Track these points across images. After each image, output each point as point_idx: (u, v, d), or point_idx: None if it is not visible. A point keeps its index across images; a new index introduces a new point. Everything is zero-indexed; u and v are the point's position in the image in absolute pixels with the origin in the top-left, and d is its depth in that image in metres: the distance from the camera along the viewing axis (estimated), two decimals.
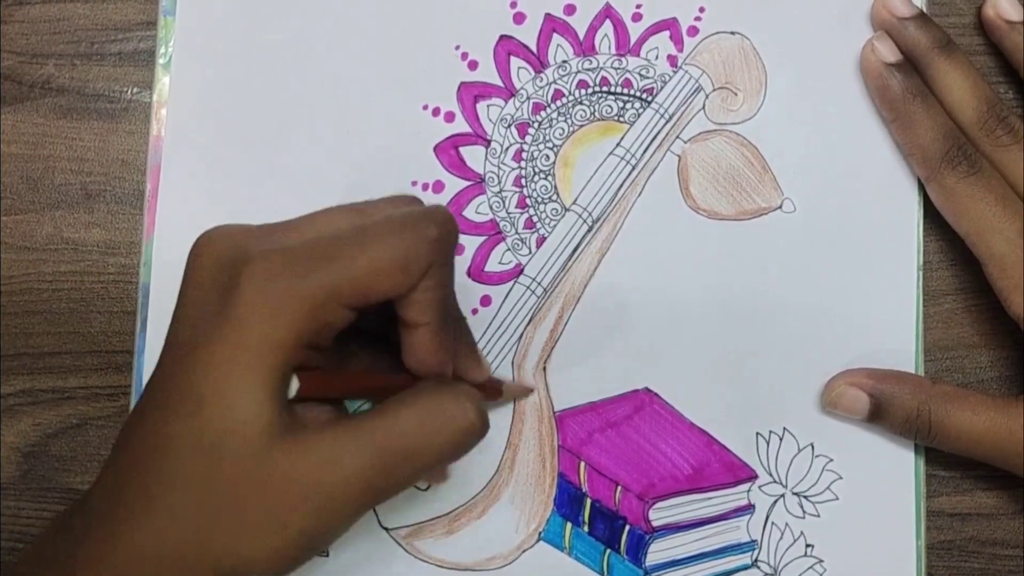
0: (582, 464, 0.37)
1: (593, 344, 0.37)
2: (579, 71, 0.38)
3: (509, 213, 0.38)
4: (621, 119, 0.38)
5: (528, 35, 0.38)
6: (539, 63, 0.38)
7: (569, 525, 0.37)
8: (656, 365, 0.37)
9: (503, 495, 0.37)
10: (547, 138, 0.38)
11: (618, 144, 0.38)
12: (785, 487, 0.37)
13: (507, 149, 0.38)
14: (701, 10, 0.38)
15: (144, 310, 0.37)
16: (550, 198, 0.38)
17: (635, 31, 0.38)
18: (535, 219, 0.38)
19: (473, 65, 0.38)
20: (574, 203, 0.38)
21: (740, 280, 0.37)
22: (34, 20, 0.39)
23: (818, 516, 0.37)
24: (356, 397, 0.31)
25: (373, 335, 0.31)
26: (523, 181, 0.38)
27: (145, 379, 0.36)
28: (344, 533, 0.27)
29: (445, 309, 0.28)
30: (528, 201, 0.38)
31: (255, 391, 0.25)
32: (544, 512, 0.37)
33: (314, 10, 0.38)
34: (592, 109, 0.38)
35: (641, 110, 0.38)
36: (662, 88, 0.38)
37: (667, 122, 0.38)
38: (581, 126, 0.38)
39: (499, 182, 0.38)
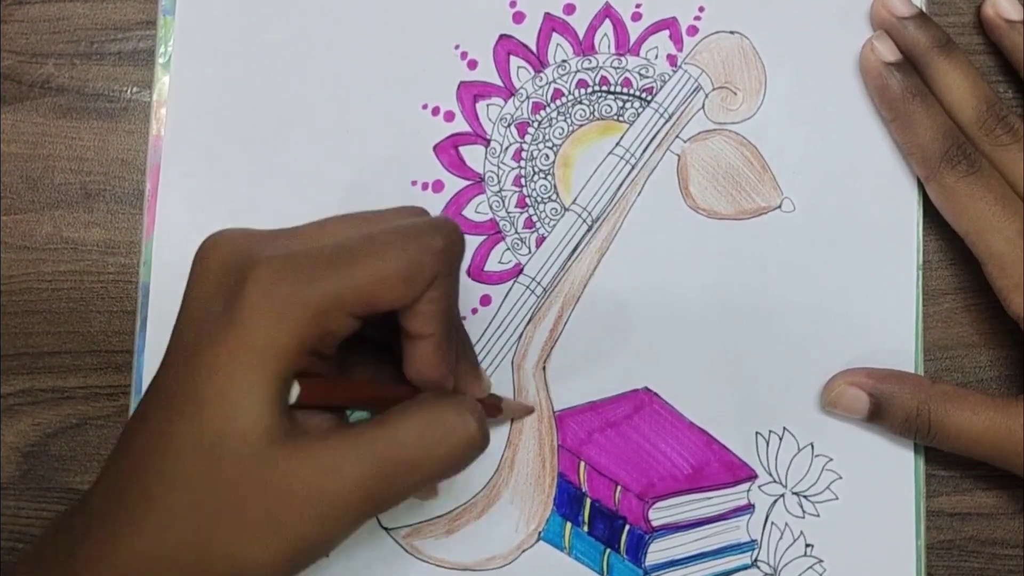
0: (582, 464, 0.37)
1: (593, 344, 0.37)
2: (579, 70, 0.38)
3: (509, 212, 0.38)
4: (621, 118, 0.38)
5: (528, 34, 0.38)
6: (539, 62, 0.38)
7: (569, 525, 0.37)
8: (656, 365, 0.37)
9: (503, 495, 0.37)
10: (547, 137, 0.38)
11: (617, 143, 0.38)
12: (785, 487, 0.37)
13: (507, 148, 0.38)
14: (701, 9, 0.38)
15: (144, 310, 0.37)
16: (550, 197, 0.38)
17: (635, 30, 0.38)
18: (535, 218, 0.38)
19: (473, 64, 0.38)
20: (574, 202, 0.38)
21: (740, 279, 0.37)
22: (34, 20, 0.39)
23: (818, 516, 0.37)
24: (357, 406, 0.31)
25: (376, 345, 0.31)
26: (523, 180, 0.38)
27: (145, 379, 0.37)
28: (343, 541, 0.27)
29: (448, 321, 0.28)
30: (528, 200, 0.38)
31: (257, 394, 0.25)
32: (544, 512, 0.37)
33: (314, 10, 0.38)
34: (592, 108, 0.38)
35: (641, 109, 0.38)
36: (662, 87, 0.38)
37: (667, 121, 0.38)
38: (581, 125, 0.38)
39: (499, 181, 0.38)
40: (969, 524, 0.38)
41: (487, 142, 0.38)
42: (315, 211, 0.29)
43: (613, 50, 0.38)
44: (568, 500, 0.37)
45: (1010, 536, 0.38)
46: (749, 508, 0.37)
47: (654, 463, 0.37)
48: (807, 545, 0.37)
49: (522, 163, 0.38)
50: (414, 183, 0.38)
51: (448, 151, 0.38)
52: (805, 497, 0.37)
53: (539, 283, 0.37)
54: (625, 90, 0.38)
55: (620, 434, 0.37)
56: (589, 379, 0.37)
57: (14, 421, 0.37)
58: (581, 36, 0.38)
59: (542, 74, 0.38)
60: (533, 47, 0.38)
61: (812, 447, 0.37)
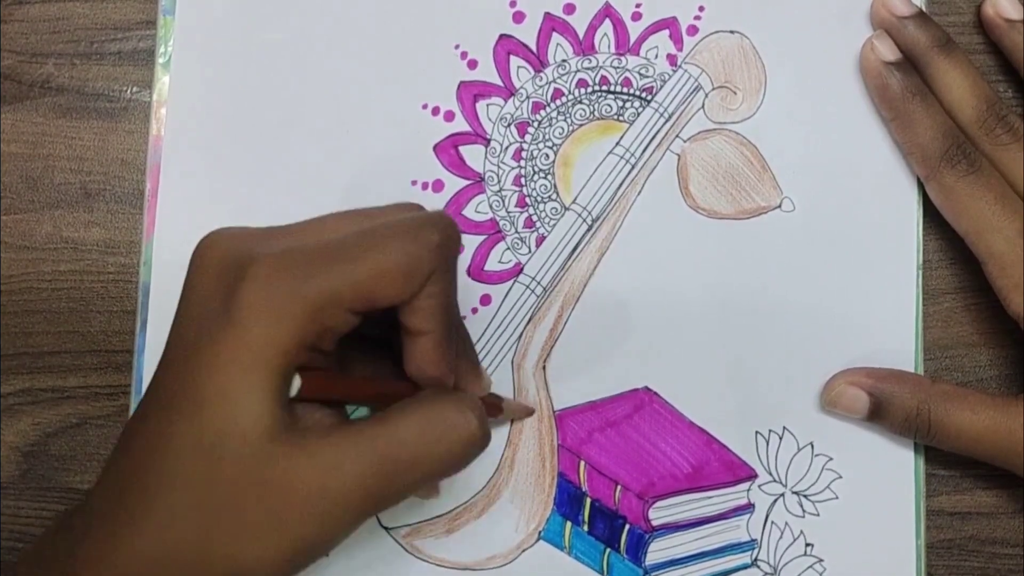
0: (582, 463, 0.37)
1: (593, 343, 0.37)
2: (579, 70, 0.38)
3: (509, 212, 0.38)
4: (621, 118, 0.38)
5: (528, 34, 0.38)
6: (539, 62, 0.38)
7: (569, 524, 0.37)
8: (655, 364, 0.37)
9: (503, 494, 0.37)
10: (547, 137, 0.38)
11: (617, 143, 0.38)
12: (785, 486, 0.37)
13: (507, 148, 0.38)
14: (701, 9, 0.38)
15: (144, 310, 0.37)
16: (550, 197, 0.38)
17: (635, 30, 0.38)
18: (535, 218, 0.38)
19: (473, 64, 0.38)
20: (574, 202, 0.38)
21: (740, 279, 0.37)
22: (34, 19, 0.39)
23: (818, 515, 0.37)
24: (357, 402, 0.31)
25: (376, 343, 0.31)
26: (523, 180, 0.38)
27: (145, 379, 0.37)
28: (343, 540, 0.27)
29: (448, 317, 0.28)
30: (528, 200, 0.38)
31: (257, 393, 0.25)
32: (544, 511, 0.37)
33: (314, 9, 0.38)
34: (592, 108, 0.38)
35: (641, 109, 0.38)
36: (662, 87, 0.38)
37: (667, 121, 0.38)
38: (581, 125, 0.38)
39: (499, 181, 0.38)
40: (969, 523, 0.38)
41: (487, 142, 0.38)
42: (315, 211, 0.29)
43: (613, 50, 0.38)
44: (568, 499, 0.37)
45: (1010, 536, 0.38)
46: (749, 507, 0.37)
47: (654, 462, 0.37)
48: (807, 544, 0.37)
49: (522, 163, 0.38)
50: (414, 183, 0.38)
51: (448, 151, 0.38)
52: (805, 496, 0.37)
53: (539, 283, 0.37)
54: (625, 90, 0.38)
55: (620, 433, 0.37)
56: (589, 379, 0.37)
57: (14, 421, 0.37)
58: (581, 36, 0.38)
59: (542, 74, 0.38)
60: (533, 47, 0.38)
61: (812, 447, 0.37)
